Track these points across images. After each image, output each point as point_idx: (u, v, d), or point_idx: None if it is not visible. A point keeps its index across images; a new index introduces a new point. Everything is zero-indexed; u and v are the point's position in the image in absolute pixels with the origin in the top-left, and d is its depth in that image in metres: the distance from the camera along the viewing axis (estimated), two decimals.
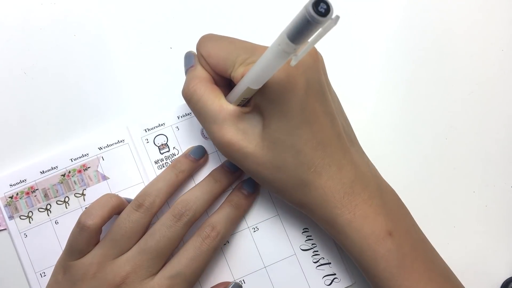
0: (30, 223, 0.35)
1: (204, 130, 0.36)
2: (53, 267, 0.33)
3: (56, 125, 0.37)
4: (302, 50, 0.22)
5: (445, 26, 0.38)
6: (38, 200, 0.35)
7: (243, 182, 0.35)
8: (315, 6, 0.19)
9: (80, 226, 0.31)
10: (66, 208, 0.35)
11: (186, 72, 0.32)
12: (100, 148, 0.36)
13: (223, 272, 0.34)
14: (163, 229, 0.31)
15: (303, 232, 0.35)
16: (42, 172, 0.35)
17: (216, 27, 0.38)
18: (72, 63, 0.37)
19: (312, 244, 0.35)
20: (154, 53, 0.38)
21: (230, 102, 0.29)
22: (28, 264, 0.35)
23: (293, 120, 0.28)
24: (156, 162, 0.36)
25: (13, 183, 0.35)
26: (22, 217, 0.35)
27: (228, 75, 0.29)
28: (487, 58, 0.38)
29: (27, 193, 0.35)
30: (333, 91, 0.32)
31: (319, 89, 0.29)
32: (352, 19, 0.38)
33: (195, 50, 0.31)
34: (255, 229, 0.35)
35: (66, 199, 0.35)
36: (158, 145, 0.36)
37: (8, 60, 0.37)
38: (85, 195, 0.35)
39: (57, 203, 0.35)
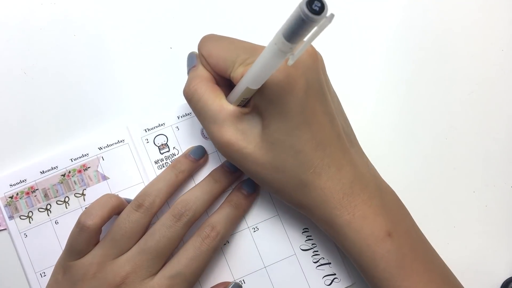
0: (30, 223, 0.35)
1: (204, 130, 0.36)
2: (53, 267, 0.33)
3: (56, 125, 0.37)
4: (299, 49, 0.22)
5: (445, 26, 0.38)
6: (38, 200, 0.35)
7: (242, 182, 0.35)
8: (309, 4, 0.19)
9: (80, 226, 0.31)
10: (66, 208, 0.35)
11: (188, 72, 0.32)
12: (100, 148, 0.36)
13: (223, 272, 0.34)
14: (163, 229, 0.31)
15: (303, 232, 0.35)
16: (42, 172, 0.35)
17: (216, 27, 0.38)
18: (72, 63, 0.37)
19: (312, 244, 0.35)
20: (154, 53, 0.38)
21: (230, 102, 0.29)
22: (28, 264, 0.35)
23: (292, 120, 0.28)
24: (156, 162, 0.36)
25: (13, 183, 0.35)
26: (22, 217, 0.35)
27: (228, 75, 0.29)
28: (487, 58, 0.38)
29: (27, 193, 0.35)
30: (333, 91, 0.32)
31: (319, 90, 0.28)
32: (352, 19, 0.38)
33: (196, 51, 0.31)
34: (255, 229, 0.35)
35: (66, 199, 0.35)
36: (158, 145, 0.36)
37: (8, 60, 0.37)
38: (85, 195, 0.35)
39: (57, 203, 0.35)
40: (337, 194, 0.29)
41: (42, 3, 0.38)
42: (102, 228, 0.32)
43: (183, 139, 0.36)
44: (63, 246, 0.33)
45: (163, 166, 0.35)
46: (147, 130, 0.36)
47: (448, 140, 0.37)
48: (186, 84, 0.31)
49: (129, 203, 0.33)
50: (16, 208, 0.35)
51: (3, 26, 0.38)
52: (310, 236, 0.35)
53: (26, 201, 0.35)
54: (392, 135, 0.37)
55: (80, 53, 0.37)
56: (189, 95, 0.30)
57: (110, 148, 0.36)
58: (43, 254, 0.35)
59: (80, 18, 0.38)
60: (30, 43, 0.37)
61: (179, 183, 0.34)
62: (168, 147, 0.36)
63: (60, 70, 0.37)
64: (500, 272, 0.35)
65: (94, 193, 0.35)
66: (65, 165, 0.36)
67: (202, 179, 0.34)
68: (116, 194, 0.35)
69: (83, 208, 0.35)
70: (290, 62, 0.23)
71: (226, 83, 0.31)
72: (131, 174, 0.36)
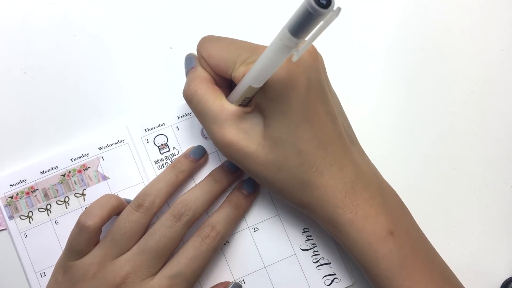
0: (30, 223, 0.35)
1: (204, 130, 0.36)
2: (53, 267, 0.33)
3: (56, 125, 0.37)
4: (304, 45, 0.22)
5: (445, 26, 0.38)
6: (38, 200, 0.35)
7: (243, 182, 0.35)
8: None
9: (79, 226, 0.31)
10: (66, 208, 0.35)
11: (186, 74, 0.32)
12: (100, 148, 0.36)
13: (223, 272, 0.34)
14: (163, 229, 0.31)
15: (303, 232, 0.35)
16: (42, 172, 0.35)
17: (216, 27, 0.38)
18: (72, 63, 0.37)
19: (312, 244, 0.35)
20: (154, 53, 0.38)
21: (231, 102, 0.29)
22: (28, 264, 0.35)
23: (294, 119, 0.28)
24: (156, 162, 0.36)
25: (13, 183, 0.35)
26: (22, 217, 0.35)
27: (229, 75, 0.29)
28: (487, 58, 0.38)
29: (27, 193, 0.35)
30: (333, 91, 0.32)
31: (320, 89, 0.29)
32: (352, 19, 0.38)
33: (195, 51, 0.31)
34: (255, 229, 0.35)
35: (66, 199, 0.35)
36: (158, 145, 0.36)
37: (8, 60, 0.37)
38: (85, 195, 0.35)
39: (57, 203, 0.35)
40: (339, 193, 0.29)
41: (42, 3, 0.38)
42: (102, 228, 0.32)
43: (183, 139, 0.36)
44: (63, 246, 0.33)
45: (163, 166, 0.35)
46: (147, 130, 0.36)
47: (448, 140, 0.37)
48: (185, 85, 0.31)
49: (129, 203, 0.33)
50: (16, 208, 0.35)
51: (3, 26, 0.38)
52: (310, 236, 0.35)
53: (26, 201, 0.35)
54: (392, 135, 0.37)
55: (80, 53, 0.37)
56: (189, 97, 0.30)
57: (110, 148, 0.36)
58: (43, 254, 0.35)
59: (80, 18, 0.38)
60: (30, 43, 0.37)
61: (179, 183, 0.34)
62: (168, 147, 0.36)
63: (60, 70, 0.37)
64: (500, 272, 0.35)
65: (94, 193, 0.35)
66: (65, 165, 0.36)
67: (202, 179, 0.34)
68: (116, 194, 0.35)
69: (83, 208, 0.35)
70: (295, 58, 0.23)
71: (225, 84, 0.31)
72: (131, 174, 0.36)
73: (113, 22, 0.38)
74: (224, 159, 0.35)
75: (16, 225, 0.35)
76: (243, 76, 0.28)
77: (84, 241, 0.31)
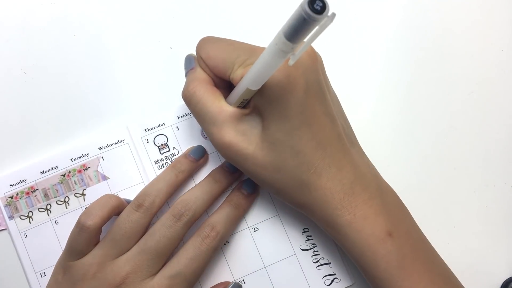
0: (30, 223, 0.35)
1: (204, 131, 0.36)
2: (53, 267, 0.33)
3: (56, 125, 0.37)
4: (300, 49, 0.22)
5: (445, 26, 0.38)
6: (38, 200, 0.35)
7: (243, 182, 0.35)
8: (311, 4, 0.19)
9: (79, 227, 0.31)
10: (66, 208, 0.35)
11: (186, 75, 0.32)
12: (100, 148, 0.36)
13: (223, 272, 0.34)
14: (163, 229, 0.31)
15: (303, 232, 0.35)
16: (42, 172, 0.35)
17: (216, 27, 0.38)
18: (72, 63, 0.37)
19: (312, 244, 0.35)
20: (154, 53, 0.38)
21: (230, 104, 0.29)
22: (28, 264, 0.35)
23: (292, 120, 0.28)
24: (156, 162, 0.36)
25: (13, 183, 0.35)
26: (22, 217, 0.35)
27: (227, 76, 0.29)
28: (487, 58, 0.38)
29: (27, 193, 0.35)
30: (333, 91, 0.32)
31: (319, 90, 0.29)
32: (352, 19, 0.38)
33: (194, 52, 0.31)
34: (255, 229, 0.35)
35: (66, 199, 0.35)
36: (158, 145, 0.36)
37: (8, 60, 0.37)
38: (85, 195, 0.35)
39: (57, 203, 0.35)
40: (338, 194, 0.29)
41: (42, 3, 0.38)
42: (102, 228, 0.32)
43: (183, 139, 0.36)
44: (63, 246, 0.33)
45: (163, 166, 0.35)
46: (147, 130, 0.36)
47: (448, 140, 0.37)
48: (184, 86, 0.31)
49: (129, 203, 0.33)
50: (16, 208, 0.35)
51: (3, 26, 0.38)
52: (310, 236, 0.35)
53: (26, 201, 0.35)
54: (392, 135, 0.37)
55: (80, 53, 0.38)
56: (188, 98, 0.30)
57: (110, 148, 0.36)
58: (43, 254, 0.35)
59: (80, 18, 0.38)
60: (30, 43, 0.37)
61: (179, 183, 0.34)
62: (168, 147, 0.36)
63: (60, 70, 0.37)
64: (500, 272, 0.35)
65: (94, 193, 0.35)
66: (65, 165, 0.36)
67: (202, 179, 0.34)
68: (116, 194, 0.35)
69: (83, 208, 0.35)
70: (291, 62, 0.23)
71: (224, 85, 0.31)
72: (131, 174, 0.36)
73: (113, 22, 0.38)
74: (224, 159, 0.35)
75: (16, 225, 0.35)
76: (241, 78, 0.28)
77: (84, 241, 0.31)
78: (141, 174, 0.36)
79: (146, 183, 0.35)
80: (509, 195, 0.36)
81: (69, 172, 0.35)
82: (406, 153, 0.37)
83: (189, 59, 0.32)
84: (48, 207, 0.35)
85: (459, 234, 0.36)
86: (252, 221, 0.35)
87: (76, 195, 0.35)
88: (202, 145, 0.35)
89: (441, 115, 0.37)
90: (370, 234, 0.28)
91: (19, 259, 0.35)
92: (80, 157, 0.36)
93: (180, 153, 0.36)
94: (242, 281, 0.34)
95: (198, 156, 0.35)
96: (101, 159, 0.36)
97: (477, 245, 0.36)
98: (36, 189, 0.35)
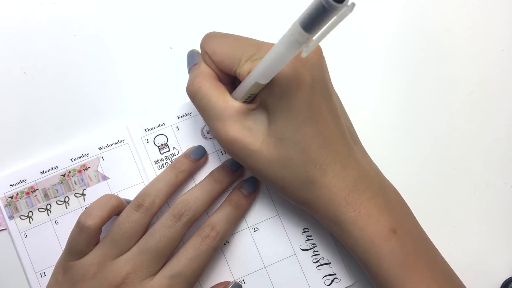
0: (30, 223, 0.35)
1: (204, 130, 0.36)
2: (53, 267, 0.33)
3: (56, 125, 0.37)
4: (314, 41, 0.22)
5: (445, 26, 0.38)
6: (38, 200, 0.35)
7: (243, 181, 0.35)
8: None
9: (79, 227, 0.31)
10: (66, 208, 0.35)
11: (189, 71, 0.31)
12: (100, 148, 0.36)
13: (223, 272, 0.34)
14: (163, 229, 0.31)
15: (303, 232, 0.35)
16: (42, 172, 0.35)
17: (216, 27, 0.38)
18: (72, 63, 0.37)
19: (312, 244, 0.35)
20: (154, 53, 0.38)
21: (236, 99, 0.29)
22: (28, 264, 0.35)
23: (299, 116, 0.28)
24: (156, 162, 0.36)
25: (13, 183, 0.35)
26: (22, 217, 0.35)
27: (234, 72, 0.29)
28: (487, 58, 0.38)
29: (27, 193, 0.35)
30: (335, 90, 0.32)
31: (324, 87, 0.29)
32: (352, 19, 0.38)
33: (198, 48, 0.31)
34: (255, 229, 0.35)
35: (66, 199, 0.35)
36: (158, 145, 0.36)
37: (8, 60, 0.37)
38: (85, 195, 0.35)
39: (57, 203, 0.35)
40: (342, 191, 0.29)
41: (42, 3, 0.38)
42: (102, 228, 0.32)
43: (183, 139, 0.36)
44: (63, 246, 0.33)
45: (163, 166, 0.35)
46: (147, 130, 0.36)
47: (448, 140, 0.37)
48: (189, 82, 0.30)
49: (129, 203, 0.33)
50: (16, 208, 0.35)
51: (3, 26, 0.38)
52: (310, 236, 0.35)
53: (26, 201, 0.35)
54: (392, 135, 0.37)
55: (80, 53, 0.37)
56: (193, 93, 0.30)
57: (110, 148, 0.36)
58: (43, 254, 0.35)
59: (80, 18, 0.38)
60: (30, 43, 0.37)
61: (179, 183, 0.34)
62: (168, 147, 0.36)
63: (60, 70, 0.37)
64: (500, 272, 0.35)
65: (94, 193, 0.35)
66: (65, 165, 0.36)
67: (202, 179, 0.34)
68: (116, 194, 0.35)
69: (83, 208, 0.35)
70: (304, 54, 0.22)
71: (229, 81, 0.31)
72: (131, 174, 0.36)
73: (113, 22, 0.38)
74: (224, 159, 0.35)
75: (16, 225, 0.35)
76: (249, 73, 0.28)
77: (84, 241, 0.31)
78: (141, 174, 0.36)
79: (146, 183, 0.35)
80: (509, 195, 0.36)
81: (69, 172, 0.35)
82: (406, 153, 0.37)
83: (192, 55, 0.32)
84: (48, 207, 0.35)
85: (459, 234, 0.36)
86: (252, 221, 0.35)
87: (76, 195, 0.35)
88: (202, 145, 0.35)
89: (441, 115, 0.37)
90: (374, 231, 0.28)
91: (19, 259, 0.35)
92: (80, 157, 0.36)
93: (180, 153, 0.36)
94: (242, 281, 0.34)
95: (198, 156, 0.35)
96: (101, 159, 0.36)
97: (477, 245, 0.36)
98: (36, 189, 0.35)
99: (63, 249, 0.33)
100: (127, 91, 0.37)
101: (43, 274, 0.35)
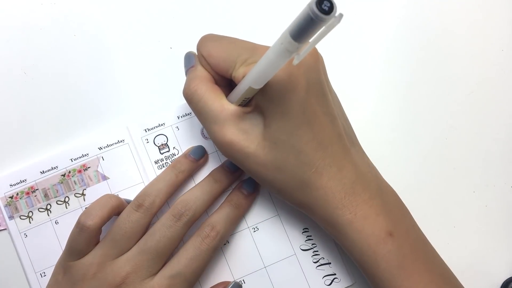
0: (30, 223, 0.35)
1: (204, 130, 0.36)
2: (53, 267, 0.33)
3: (56, 125, 0.37)
4: (305, 49, 0.22)
5: (445, 26, 0.38)
6: (38, 200, 0.35)
7: (243, 181, 0.35)
8: (319, 4, 0.19)
9: (79, 227, 0.31)
10: (66, 208, 0.35)
11: (186, 73, 0.32)
12: (100, 148, 0.36)
13: (223, 272, 0.34)
14: (163, 229, 0.31)
15: (303, 232, 0.35)
16: (42, 172, 0.35)
17: (216, 27, 0.38)
18: (72, 63, 0.37)
19: (312, 244, 0.35)
20: (154, 53, 0.38)
21: (231, 102, 0.29)
22: (28, 264, 0.35)
23: (294, 120, 0.28)
24: (156, 162, 0.36)
25: (13, 183, 0.35)
26: (22, 217, 0.35)
27: (229, 75, 0.29)
28: (487, 58, 0.38)
29: (27, 193, 0.35)
30: (333, 91, 0.32)
31: (320, 90, 0.29)
32: (352, 19, 0.38)
33: (195, 50, 0.31)
34: (255, 229, 0.35)
35: (66, 199, 0.35)
36: (158, 145, 0.36)
37: (8, 60, 0.37)
38: (85, 195, 0.35)
39: (57, 203, 0.35)
40: (338, 193, 0.29)
41: (42, 3, 0.38)
42: (102, 228, 0.32)
43: (183, 139, 0.36)
44: (63, 246, 0.33)
45: (163, 166, 0.35)
46: (147, 130, 0.36)
47: (448, 140, 0.37)
48: (185, 84, 0.31)
49: (129, 203, 0.33)
50: (16, 208, 0.35)
51: (3, 26, 0.38)
52: (310, 236, 0.35)
53: (26, 201, 0.35)
54: (392, 135, 0.37)
55: (80, 53, 0.37)
56: (189, 96, 0.30)
57: (110, 148, 0.36)
58: (43, 254, 0.35)
59: (80, 18, 0.38)
60: (30, 43, 0.37)
61: (179, 183, 0.34)
62: (168, 147, 0.36)
63: (60, 70, 0.37)
64: (500, 272, 0.35)
65: (94, 193, 0.35)
66: (65, 165, 0.36)
67: (202, 179, 0.34)
68: (116, 194, 0.35)
69: (83, 208, 0.35)
70: (295, 62, 0.23)
71: (225, 83, 0.31)
72: (131, 174, 0.36)
73: (113, 22, 0.38)
74: (224, 159, 0.35)
75: (16, 225, 0.35)
76: (243, 76, 0.28)
77: (84, 241, 0.31)
78: (141, 174, 0.36)
79: (146, 183, 0.35)
80: (509, 195, 0.36)
81: (69, 172, 0.35)
82: (406, 153, 0.37)
83: (188, 57, 0.32)
84: (48, 207, 0.35)
85: (459, 234, 0.36)
86: (252, 221, 0.35)
87: (76, 195, 0.35)
88: (202, 145, 0.35)
89: (441, 115, 0.37)
90: (370, 234, 0.28)
91: (19, 259, 0.35)
92: (80, 157, 0.36)
93: (180, 153, 0.36)
94: (242, 281, 0.34)
95: (198, 156, 0.35)
96: (101, 159, 0.36)
97: (477, 245, 0.36)
98: (36, 189, 0.35)
99: (63, 249, 0.33)
100: (127, 91, 0.37)
101: (43, 274, 0.35)
